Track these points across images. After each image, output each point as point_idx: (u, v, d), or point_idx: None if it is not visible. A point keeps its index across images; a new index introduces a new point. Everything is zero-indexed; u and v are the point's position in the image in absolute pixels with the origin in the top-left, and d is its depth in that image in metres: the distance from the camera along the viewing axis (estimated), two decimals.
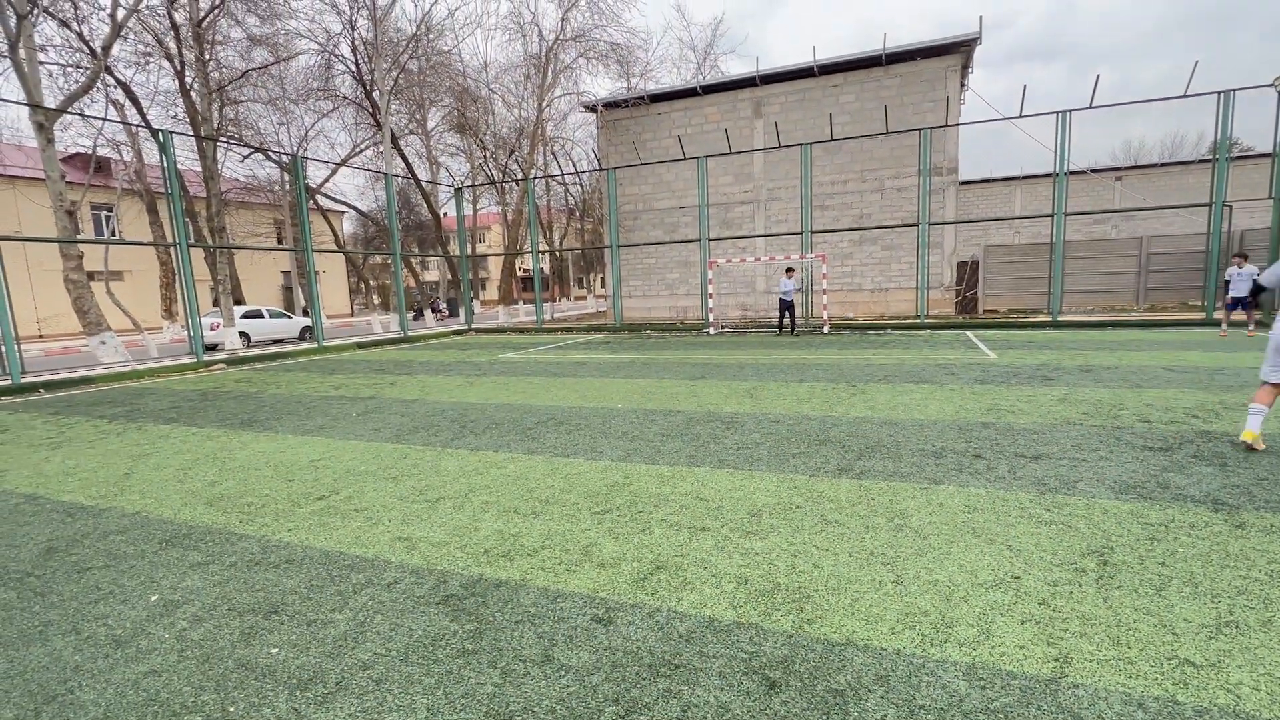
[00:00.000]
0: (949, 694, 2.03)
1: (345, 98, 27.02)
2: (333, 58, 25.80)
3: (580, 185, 39.08)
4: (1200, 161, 20.80)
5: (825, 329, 15.73)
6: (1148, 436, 4.87)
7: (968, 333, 14.07)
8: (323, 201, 31.09)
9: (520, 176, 29.34)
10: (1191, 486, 3.77)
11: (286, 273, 35.06)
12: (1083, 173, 24.03)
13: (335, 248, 33.57)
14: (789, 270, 15.26)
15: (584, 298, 55.51)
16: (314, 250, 16.23)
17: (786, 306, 15.37)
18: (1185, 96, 14.07)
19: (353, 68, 26.19)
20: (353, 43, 25.74)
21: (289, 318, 19.47)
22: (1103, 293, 17.66)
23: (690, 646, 2.36)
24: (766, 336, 15.16)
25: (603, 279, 65.49)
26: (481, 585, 2.91)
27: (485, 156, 31.59)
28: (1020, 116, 15.05)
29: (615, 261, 20.62)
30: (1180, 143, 45.94)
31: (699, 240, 19.06)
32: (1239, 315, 12.36)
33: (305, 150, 26.72)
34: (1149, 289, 17.24)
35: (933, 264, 18.00)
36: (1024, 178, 27.86)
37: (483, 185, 32.67)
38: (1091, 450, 4.57)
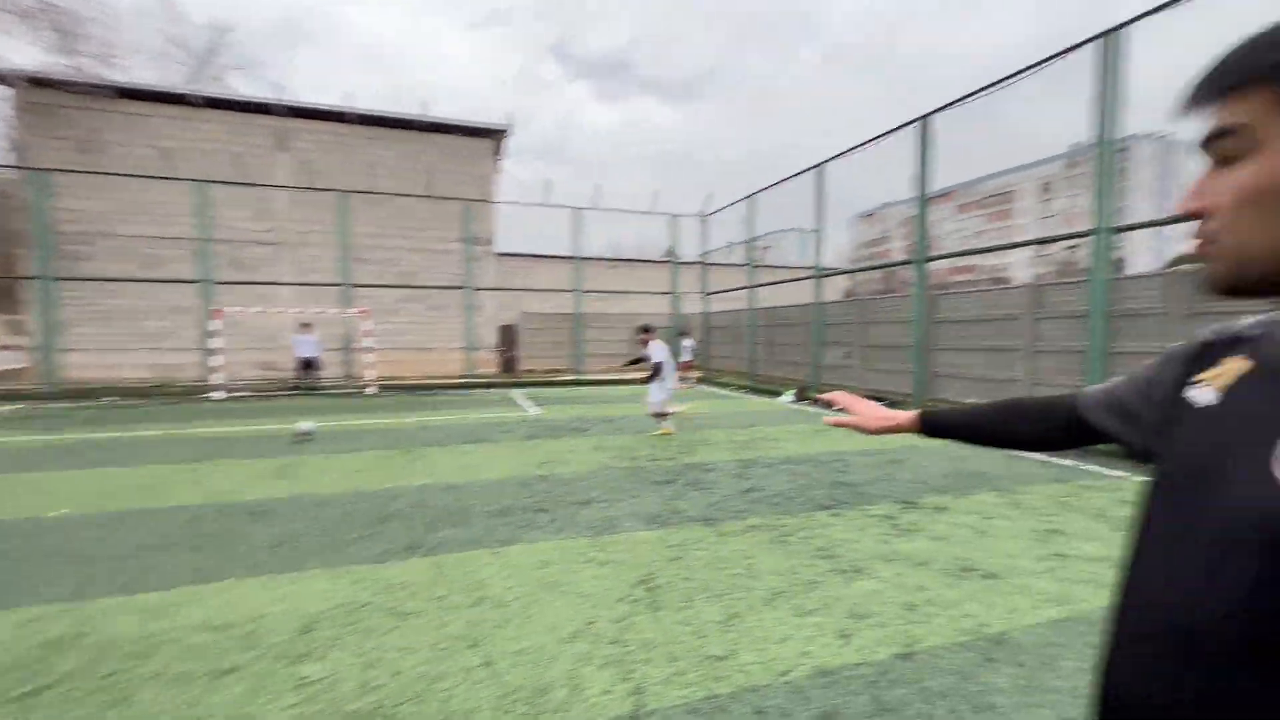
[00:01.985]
0: None
1: None
2: None
3: None
4: (661, 261, 29.50)
5: (370, 390, 14.93)
6: (656, 473, 6.30)
7: (512, 391, 15.68)
8: None
9: None
10: (690, 509, 5.00)
11: None
12: (589, 258, 30.77)
13: None
14: (304, 325, 14.36)
15: None
16: None
17: (306, 364, 14.30)
18: (651, 213, 19.84)
19: None
20: None
21: None
22: (610, 355, 22.60)
23: None
24: (299, 400, 13.30)
25: (21, 320, 46.06)
26: None
27: None
28: (547, 205, 18.20)
29: (47, 299, 14.75)
30: (648, 245, 64.34)
31: (199, 282, 15.55)
32: (687, 373, 17.68)
33: None
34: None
35: (477, 326, 19.53)
36: (547, 256, 33.19)
37: None
38: (624, 490, 5.59)
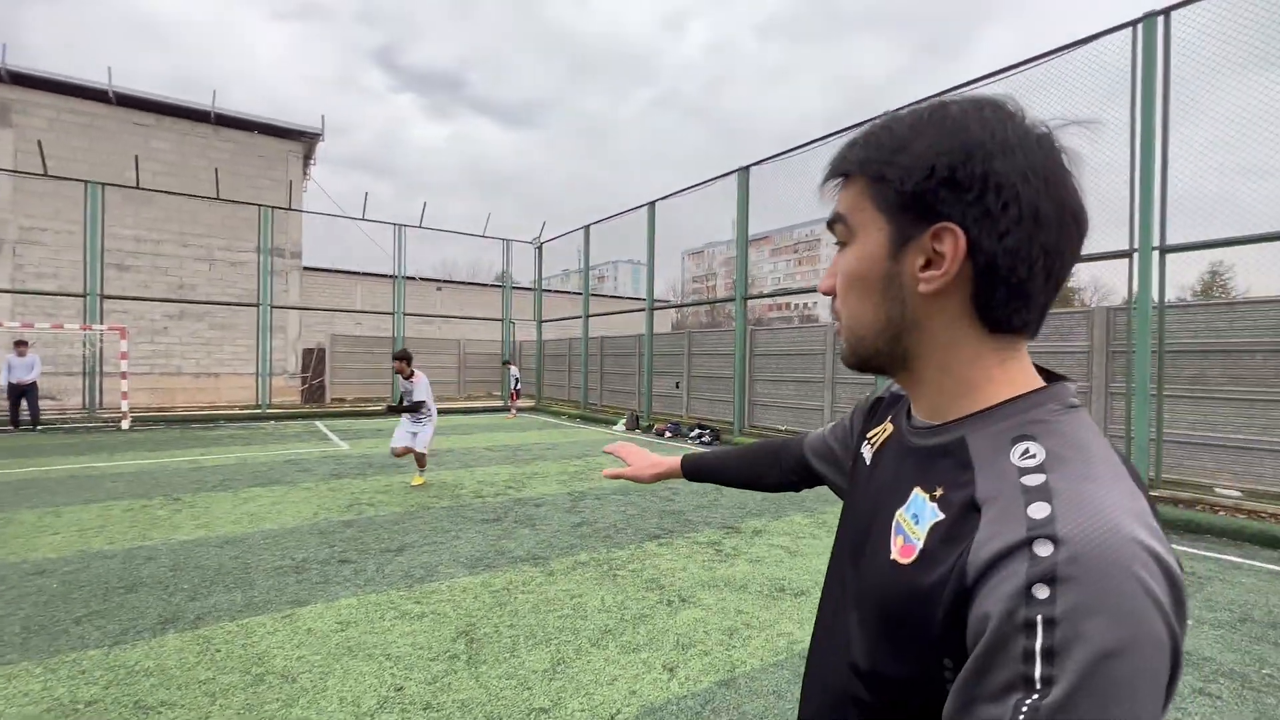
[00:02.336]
0: None
1: None
2: None
3: None
4: (494, 285, 28.65)
5: (125, 424, 12.45)
6: (483, 510, 5.97)
7: (317, 422, 14.06)
8: None
9: None
10: (517, 548, 4.79)
11: None
12: (413, 279, 28.97)
13: None
14: (20, 344, 11.52)
15: None
16: None
17: (20, 393, 11.41)
18: (483, 236, 19.32)
19: None
20: None
21: None
22: (435, 383, 21.34)
23: None
24: (10, 437, 10.61)
25: None
26: None
27: None
28: (365, 220, 16.86)
29: None
30: (479, 269, 62.46)
31: None
32: (513, 402, 17.27)
33: None
34: (467, 381, 22.01)
35: (276, 349, 17.32)
36: (364, 274, 30.89)
37: None
38: (445, 531, 5.20)
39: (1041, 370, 0.61)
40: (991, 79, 7.67)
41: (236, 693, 2.67)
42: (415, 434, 7.07)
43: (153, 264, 16.22)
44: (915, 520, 0.56)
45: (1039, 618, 0.42)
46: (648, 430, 13.20)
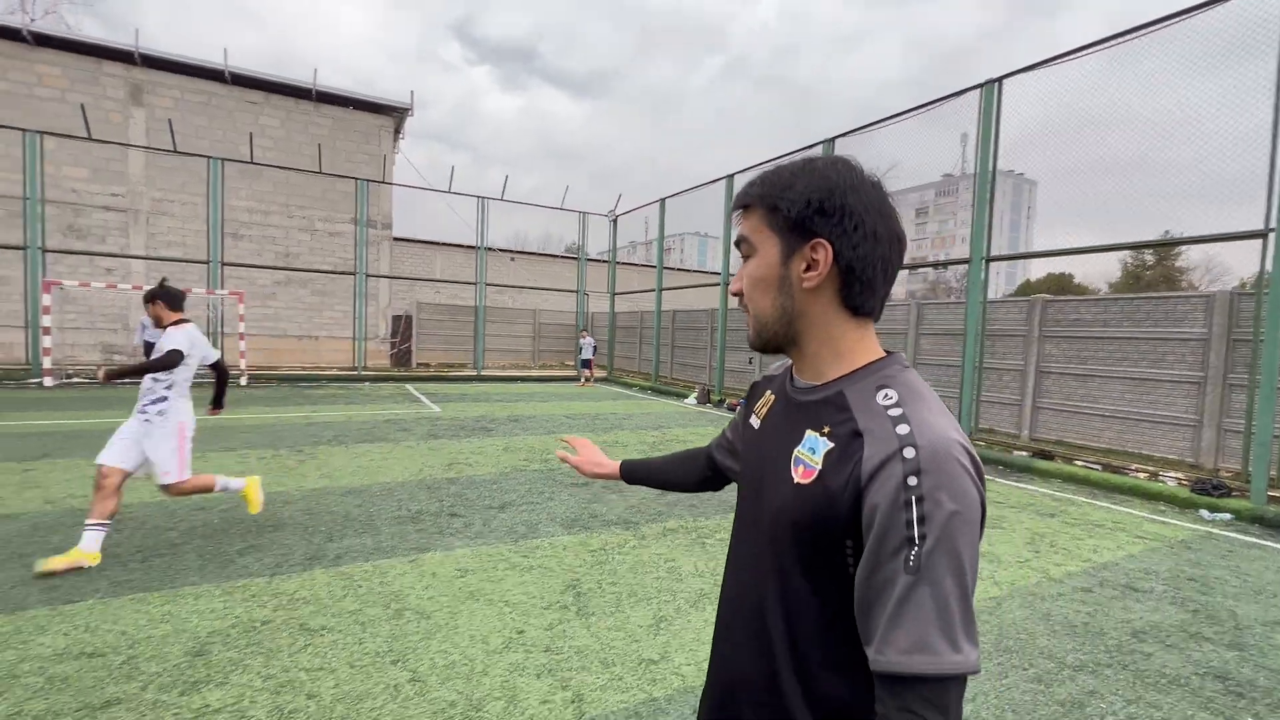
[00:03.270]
0: None
1: None
2: None
3: None
4: (565, 257, 29.17)
5: (244, 380, 13.64)
6: (572, 474, 6.27)
7: (408, 385, 14.93)
8: None
9: None
10: (608, 512, 5.03)
11: None
12: (492, 249, 29.87)
13: None
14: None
15: None
16: None
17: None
18: (561, 208, 19.66)
19: None
20: None
21: None
22: (511, 352, 22.10)
23: None
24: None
25: None
26: None
27: None
28: (451, 192, 17.47)
29: None
30: (549, 240, 63.53)
31: (24, 249, 13.43)
32: (587, 372, 17.68)
33: None
34: (541, 350, 22.68)
35: (369, 315, 18.38)
36: (445, 244, 31.91)
37: None
38: (540, 493, 5.52)
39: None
40: (1120, 39, 7.11)
41: (381, 624, 3.01)
42: (144, 449, 3.78)
43: (262, 233, 17.44)
44: (812, 451, 0.77)
45: (913, 498, 0.66)
46: (719, 405, 13.27)
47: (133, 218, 16.08)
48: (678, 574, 3.80)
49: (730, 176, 13.81)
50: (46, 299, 12.33)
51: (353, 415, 9.74)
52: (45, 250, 13.47)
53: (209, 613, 3.04)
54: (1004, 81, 8.24)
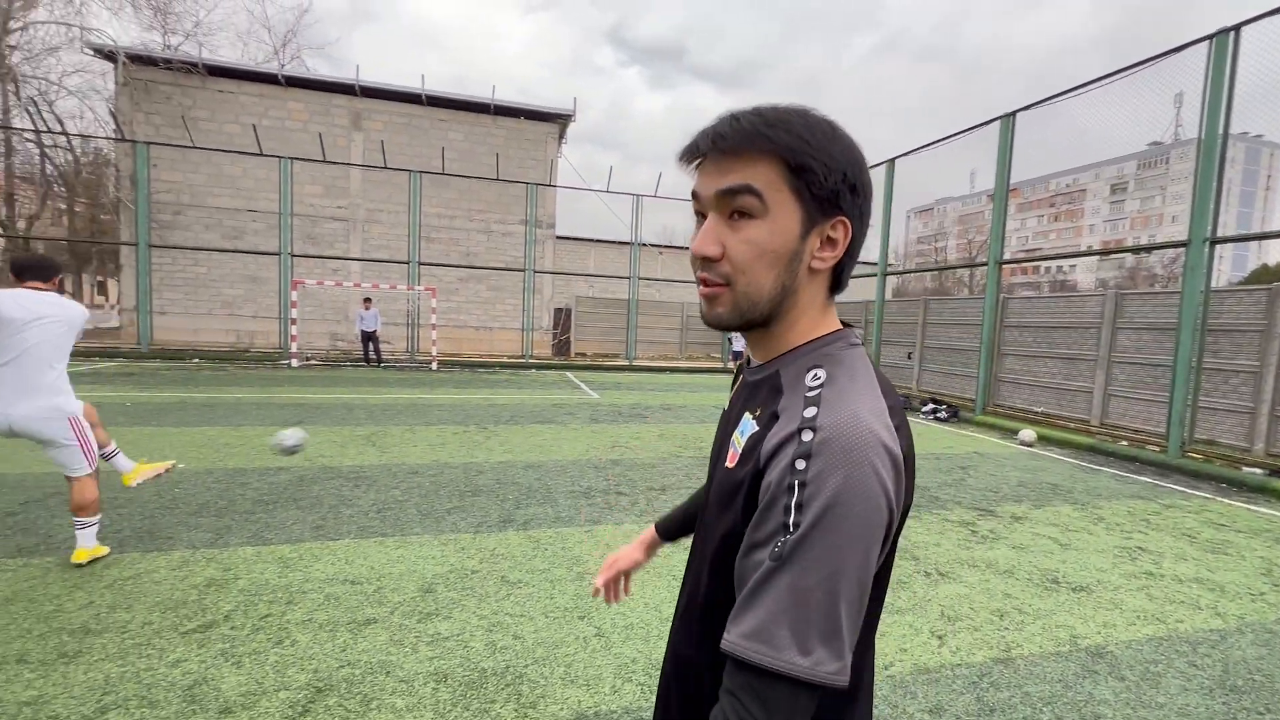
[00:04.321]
0: None
1: None
2: None
3: (71, 152, 28.48)
4: None
5: (434, 365, 15.44)
6: None
7: (568, 373, 15.96)
8: None
9: None
10: None
11: None
12: (645, 245, 30.93)
13: None
14: (367, 300, 15.07)
15: None
16: None
17: (368, 338, 14.80)
18: None
19: None
20: None
21: None
22: (660, 343, 22.71)
23: None
24: (364, 371, 13.89)
25: (102, 282, 48.88)
26: None
27: None
28: (608, 191, 18.30)
29: (143, 265, 15.71)
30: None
31: (278, 254, 16.30)
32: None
33: None
34: (688, 343, 23.05)
35: (535, 308, 19.89)
36: (598, 241, 33.22)
37: None
38: (696, 478, 5.70)
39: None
40: None
41: (567, 584, 3.35)
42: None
43: (449, 235, 19.53)
44: (741, 434, 0.72)
45: (797, 482, 0.60)
46: None
47: (352, 226, 18.80)
48: None
49: (891, 161, 12.99)
50: (294, 295, 14.88)
51: (524, 399, 10.65)
52: (293, 255, 16.26)
53: (430, 559, 3.58)
54: (1242, 29, 6.93)
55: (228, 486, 4.78)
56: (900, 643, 2.90)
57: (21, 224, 25.84)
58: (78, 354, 14.11)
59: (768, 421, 0.68)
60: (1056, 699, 2.51)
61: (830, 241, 0.70)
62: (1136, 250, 9.95)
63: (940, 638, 2.96)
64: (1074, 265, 66.31)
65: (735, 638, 0.60)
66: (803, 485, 0.59)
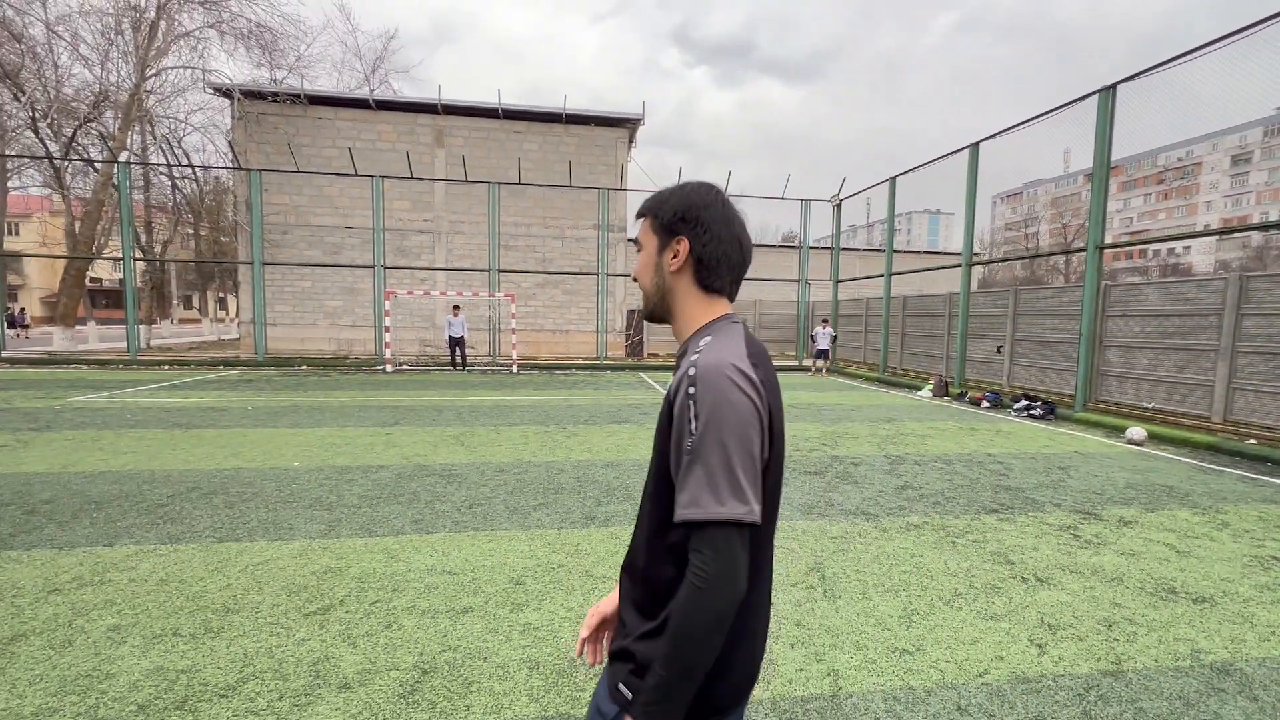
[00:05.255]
0: None
1: None
2: None
3: (196, 182, 31.57)
4: (784, 246, 28.77)
5: (514, 369, 15.99)
6: (804, 464, 6.27)
7: (642, 374, 16.11)
8: None
9: (103, 157, 22.20)
10: (845, 501, 4.95)
11: None
12: None
13: None
14: (455, 308, 15.77)
15: (197, 321, 44.60)
16: None
17: (456, 343, 15.49)
18: (782, 198, 19.34)
19: None
20: None
21: None
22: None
23: None
24: (450, 375, 14.58)
25: (223, 298, 53.80)
26: None
27: (34, 120, 22.90)
28: None
29: (258, 281, 17.19)
30: (765, 230, 62.95)
31: (373, 266, 17.39)
32: (822, 362, 17.14)
33: None
34: (763, 340, 22.72)
35: (608, 310, 20.19)
36: None
37: (23, 158, 23.59)
38: None
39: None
40: None
41: None
42: None
43: (525, 243, 20.16)
44: (668, 388, 1.00)
45: (691, 401, 0.90)
46: (960, 398, 11.96)
47: (437, 238, 19.77)
48: (927, 570, 3.62)
49: (975, 145, 12.29)
50: (387, 304, 15.83)
51: (600, 399, 10.85)
52: (386, 267, 17.30)
53: (518, 553, 3.74)
54: None
55: (336, 483, 5.17)
56: (995, 649, 2.76)
57: (157, 248, 28.97)
58: (207, 363, 15.65)
59: (678, 374, 0.98)
60: (1177, 717, 2.32)
61: (676, 252, 1.07)
62: (1265, 228, 8.91)
63: (1040, 646, 2.80)
64: (1188, 247, 60.13)
65: (679, 509, 0.89)
66: (695, 401, 0.90)
